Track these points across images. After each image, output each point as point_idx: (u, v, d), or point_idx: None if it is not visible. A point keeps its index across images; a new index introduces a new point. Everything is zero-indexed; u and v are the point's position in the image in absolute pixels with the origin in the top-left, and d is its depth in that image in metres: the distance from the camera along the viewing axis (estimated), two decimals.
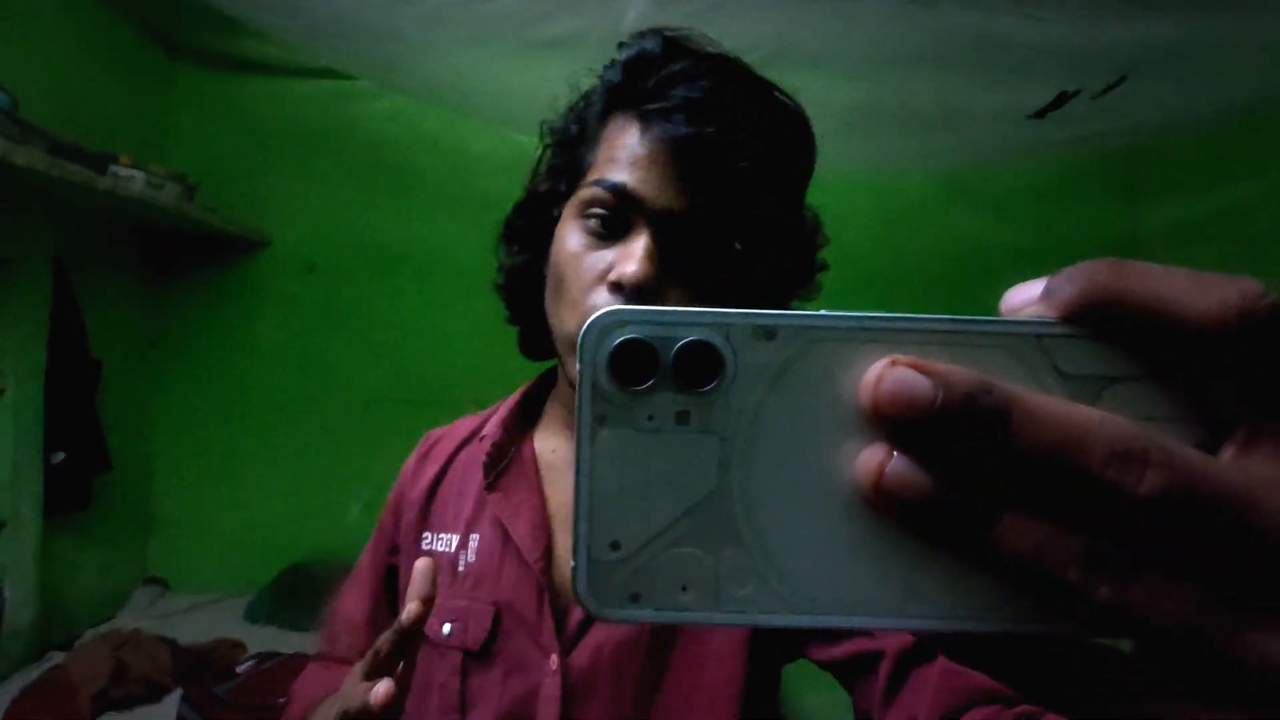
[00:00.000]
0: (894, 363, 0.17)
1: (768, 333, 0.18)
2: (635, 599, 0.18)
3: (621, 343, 0.18)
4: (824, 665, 0.60)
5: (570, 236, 0.58)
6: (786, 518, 0.18)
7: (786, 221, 0.62)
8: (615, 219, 0.56)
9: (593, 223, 0.57)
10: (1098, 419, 0.17)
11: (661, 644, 0.60)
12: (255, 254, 2.10)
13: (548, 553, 0.62)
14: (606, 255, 0.56)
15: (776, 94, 0.60)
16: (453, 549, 0.66)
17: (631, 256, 0.54)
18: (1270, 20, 1.16)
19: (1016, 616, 0.18)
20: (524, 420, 0.70)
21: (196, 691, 1.48)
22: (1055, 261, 0.19)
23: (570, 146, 0.62)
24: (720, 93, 0.57)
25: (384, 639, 0.49)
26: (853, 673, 0.58)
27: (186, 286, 2.09)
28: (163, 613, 1.85)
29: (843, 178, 2.02)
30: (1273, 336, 0.17)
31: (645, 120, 0.56)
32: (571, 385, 0.62)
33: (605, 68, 0.61)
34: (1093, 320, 0.18)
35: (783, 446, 0.18)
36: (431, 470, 0.71)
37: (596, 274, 0.56)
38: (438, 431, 0.76)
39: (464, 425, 0.74)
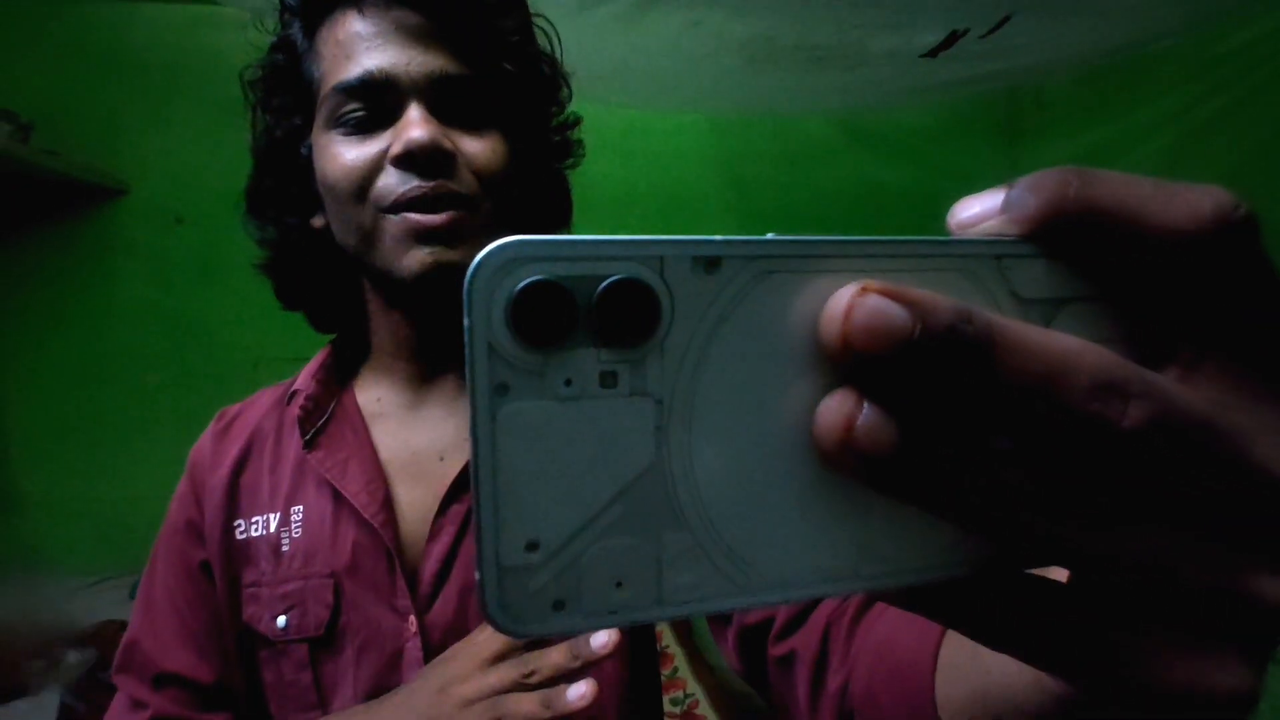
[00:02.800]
0: (865, 290, 0.14)
1: (711, 263, 0.15)
2: (560, 606, 0.14)
3: (524, 287, 0.14)
4: None
5: (330, 151, 0.54)
6: (733, 489, 0.15)
7: (545, 75, 0.61)
8: (374, 113, 0.52)
9: (349, 127, 0.53)
10: (1079, 348, 0.14)
11: None
12: (110, 203, 1.89)
13: (387, 505, 0.57)
14: (377, 144, 0.52)
15: None
16: (272, 529, 0.58)
17: (409, 124, 0.50)
18: None
19: (967, 561, 0.16)
20: (340, 374, 0.65)
21: (82, 679, 1.38)
22: (942, 201, 0.17)
23: (289, 80, 0.58)
24: None
25: (556, 660, 0.46)
26: None
27: (27, 242, 1.86)
28: (36, 599, 1.70)
29: (745, 117, 2.01)
30: (1243, 250, 0.15)
31: (362, 3, 0.52)
32: (380, 291, 0.59)
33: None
34: (1055, 235, 0.16)
35: (729, 404, 0.15)
36: (234, 450, 0.64)
37: (372, 160, 0.52)
38: (233, 408, 0.69)
39: (265, 397, 0.68)
